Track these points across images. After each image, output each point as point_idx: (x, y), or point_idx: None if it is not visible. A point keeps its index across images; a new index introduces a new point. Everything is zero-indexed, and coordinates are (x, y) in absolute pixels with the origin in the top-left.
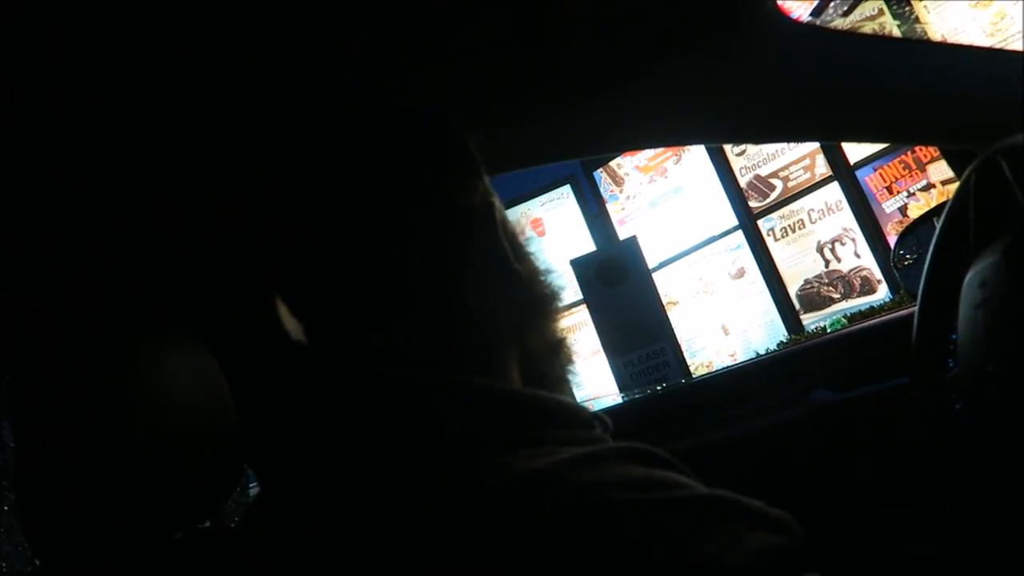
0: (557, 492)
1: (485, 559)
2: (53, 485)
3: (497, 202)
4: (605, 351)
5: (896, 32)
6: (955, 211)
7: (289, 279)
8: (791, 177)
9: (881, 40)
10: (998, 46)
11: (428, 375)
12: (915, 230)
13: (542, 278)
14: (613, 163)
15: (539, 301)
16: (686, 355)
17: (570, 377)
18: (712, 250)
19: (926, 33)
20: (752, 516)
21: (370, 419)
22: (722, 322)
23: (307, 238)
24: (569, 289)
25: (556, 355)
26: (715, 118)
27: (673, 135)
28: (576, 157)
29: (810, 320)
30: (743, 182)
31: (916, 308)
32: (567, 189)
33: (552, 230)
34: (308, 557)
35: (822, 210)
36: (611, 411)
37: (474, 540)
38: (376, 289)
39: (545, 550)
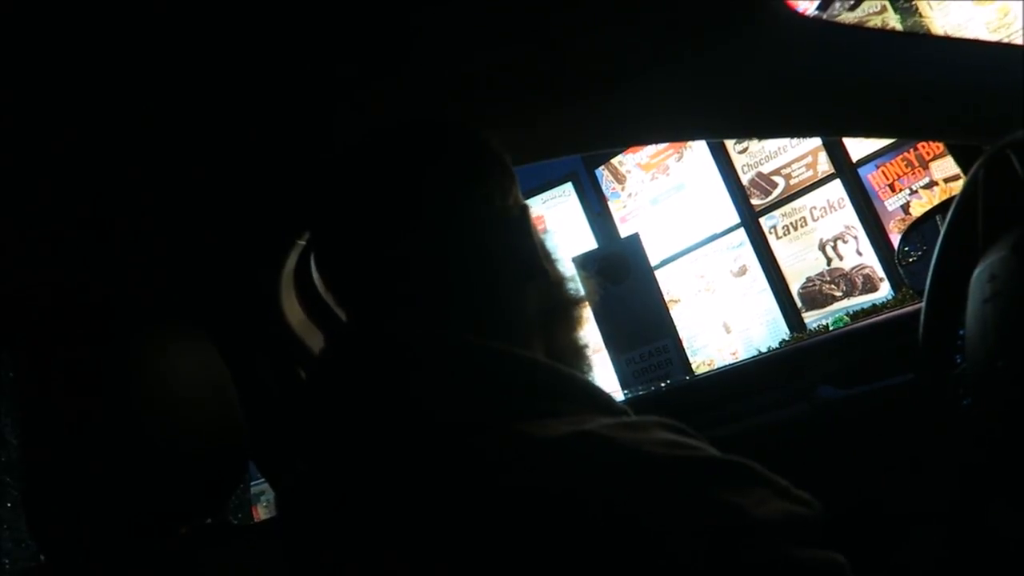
0: (604, 446)
1: (538, 501)
2: (58, 481)
3: (529, 207)
4: (607, 349)
5: (899, 28)
6: (963, 205)
7: (338, 273)
8: (793, 175)
9: (888, 34)
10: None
11: (490, 343)
12: (919, 227)
13: (568, 284)
14: (615, 160)
15: (565, 304)
16: (688, 353)
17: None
18: (714, 248)
19: (929, 30)
20: (777, 488)
21: (430, 377)
22: (724, 320)
23: (363, 238)
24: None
25: (578, 358)
26: (721, 112)
27: (679, 130)
28: (581, 152)
29: (812, 318)
30: (745, 180)
31: (923, 303)
32: (569, 187)
33: (554, 228)
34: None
35: (824, 208)
36: None
37: (528, 488)
38: (419, 280)
39: (589, 497)
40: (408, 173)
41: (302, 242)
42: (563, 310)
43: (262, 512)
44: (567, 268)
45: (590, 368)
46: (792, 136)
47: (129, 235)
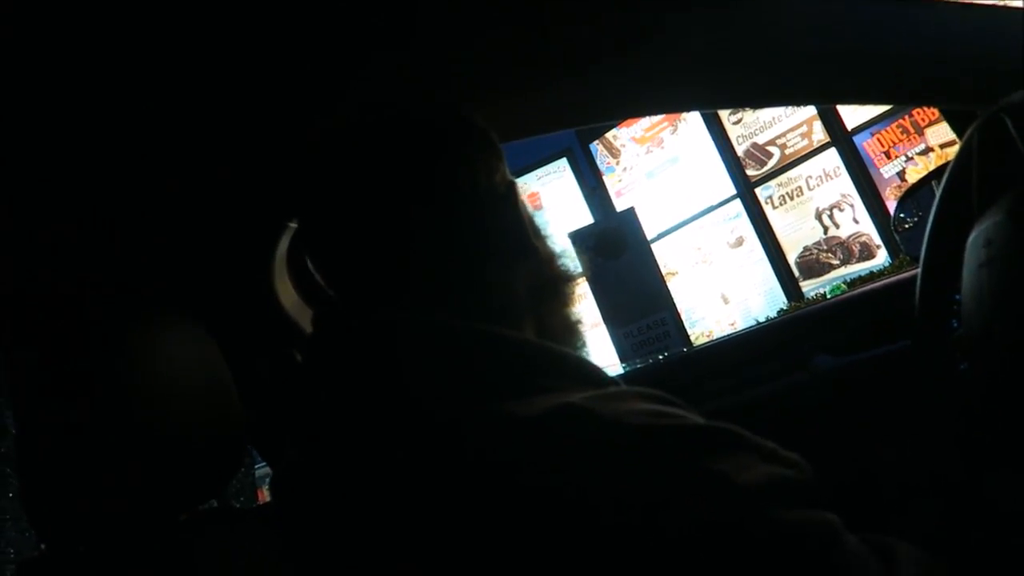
0: (584, 419)
1: (521, 478)
2: (56, 470)
3: (517, 184)
4: (605, 323)
5: None
6: (958, 171)
7: (327, 257)
8: (788, 144)
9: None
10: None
11: (470, 324)
12: (915, 193)
13: (559, 259)
14: (609, 135)
15: (556, 280)
16: (686, 325)
17: (583, 353)
18: (710, 219)
19: None
20: (764, 451)
21: (416, 360)
22: (721, 291)
23: (347, 222)
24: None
25: (571, 334)
26: (715, 83)
27: (673, 101)
28: (574, 127)
29: (810, 287)
30: (740, 150)
31: (919, 270)
32: (563, 163)
33: (549, 204)
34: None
35: (820, 177)
36: None
37: (511, 463)
38: (406, 262)
39: (571, 470)
40: (389, 156)
41: (293, 224)
42: (554, 286)
43: (267, 494)
44: (558, 244)
45: (583, 344)
46: (787, 105)
47: (119, 224)
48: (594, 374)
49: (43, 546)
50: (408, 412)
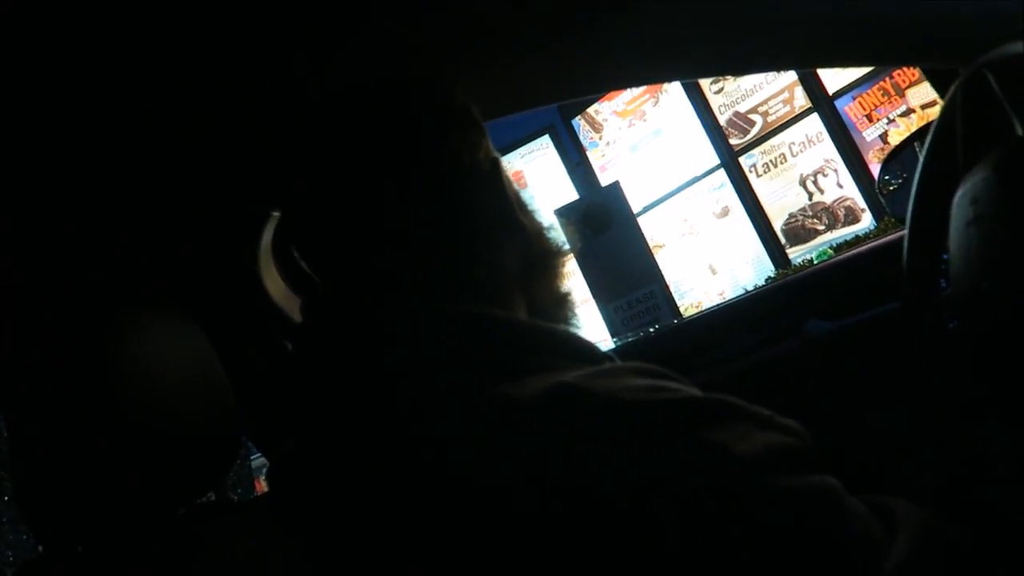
0: (579, 398)
1: (520, 462)
2: (50, 469)
3: (501, 161)
4: (595, 298)
5: None
6: (942, 129)
7: (311, 243)
8: (770, 111)
9: None
10: None
11: (459, 307)
12: (898, 155)
13: (546, 234)
14: (591, 110)
15: (544, 255)
16: (675, 297)
17: (575, 328)
18: (695, 191)
19: None
20: (760, 420)
21: (405, 347)
22: (709, 262)
23: (329, 206)
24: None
25: (561, 307)
26: (694, 52)
27: (653, 72)
28: (554, 102)
29: (796, 253)
30: (723, 120)
31: (906, 230)
32: (546, 139)
33: (534, 182)
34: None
35: (803, 143)
36: None
37: (510, 451)
38: (391, 245)
39: (570, 450)
40: (368, 138)
41: (277, 213)
42: (543, 261)
43: (264, 484)
44: (545, 218)
45: (575, 316)
46: (768, 71)
47: (103, 219)
48: (587, 349)
49: (41, 548)
50: (401, 400)
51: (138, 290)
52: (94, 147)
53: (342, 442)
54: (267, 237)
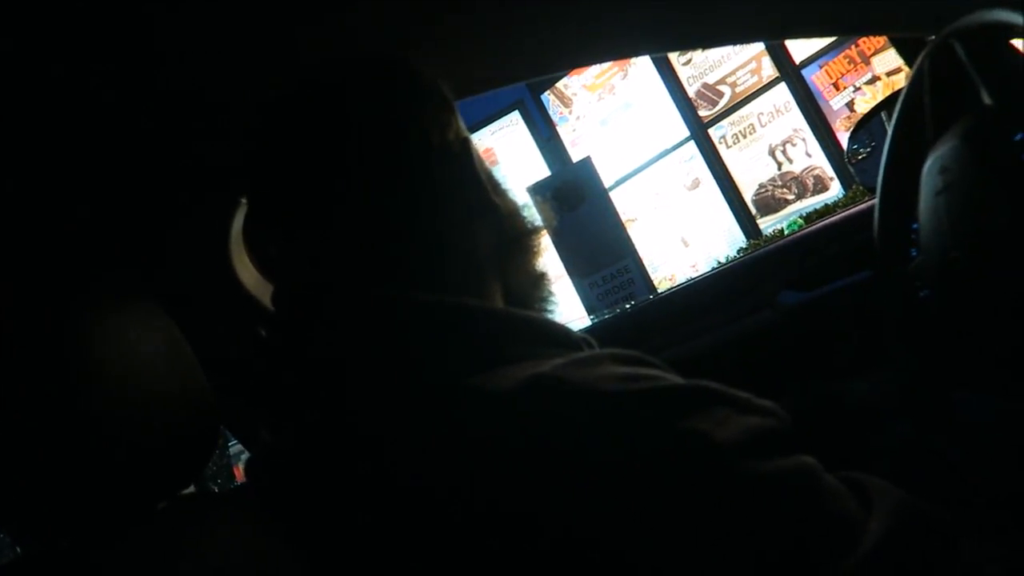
0: (556, 390)
1: (497, 456)
2: (23, 468)
3: (472, 139)
4: (569, 275)
5: None
6: (910, 99)
7: (278, 229)
8: (739, 82)
9: None
10: None
11: (429, 296)
12: (866, 124)
13: (521, 213)
14: (560, 84)
15: (519, 235)
16: (649, 271)
17: (551, 308)
18: (666, 163)
19: None
20: (738, 403)
21: (376, 338)
22: (681, 235)
23: (296, 191)
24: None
25: (537, 287)
26: (663, 27)
27: (623, 47)
28: (524, 79)
29: (767, 224)
30: (691, 92)
31: (876, 200)
32: (516, 115)
33: (504, 158)
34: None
35: (771, 113)
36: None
37: (485, 443)
38: (360, 230)
39: (548, 443)
40: (335, 117)
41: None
42: (519, 242)
43: (243, 473)
44: (519, 197)
45: (551, 295)
46: (736, 43)
47: (68, 208)
48: (562, 335)
49: (19, 548)
50: (373, 393)
51: (107, 280)
52: (58, 135)
53: (320, 434)
54: (237, 224)
